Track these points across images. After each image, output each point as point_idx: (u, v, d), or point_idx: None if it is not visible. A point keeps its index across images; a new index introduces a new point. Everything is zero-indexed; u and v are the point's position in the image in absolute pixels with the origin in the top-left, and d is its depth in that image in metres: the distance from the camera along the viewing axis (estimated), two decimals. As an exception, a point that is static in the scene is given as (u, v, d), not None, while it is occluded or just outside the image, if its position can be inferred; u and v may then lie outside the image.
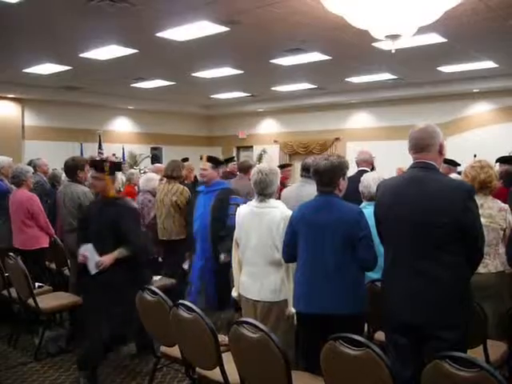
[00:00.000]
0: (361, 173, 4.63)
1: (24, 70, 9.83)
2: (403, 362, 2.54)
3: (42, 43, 7.79)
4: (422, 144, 2.60)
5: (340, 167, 3.06)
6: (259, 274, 3.31)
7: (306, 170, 4.38)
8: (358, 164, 5.40)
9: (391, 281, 2.66)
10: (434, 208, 2.48)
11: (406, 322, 2.57)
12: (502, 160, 6.52)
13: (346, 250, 2.91)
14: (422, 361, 2.23)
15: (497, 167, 6.04)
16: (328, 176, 3.02)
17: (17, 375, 4.12)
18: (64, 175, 6.27)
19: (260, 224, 3.31)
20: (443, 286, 2.48)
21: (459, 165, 6.29)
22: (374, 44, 7.45)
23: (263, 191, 3.33)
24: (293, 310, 3.18)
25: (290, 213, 3.25)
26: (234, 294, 3.56)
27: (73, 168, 4.84)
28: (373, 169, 5.45)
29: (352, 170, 4.18)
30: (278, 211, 3.29)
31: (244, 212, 3.46)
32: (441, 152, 2.63)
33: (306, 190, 4.07)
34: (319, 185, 3.08)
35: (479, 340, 2.96)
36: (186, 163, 6.58)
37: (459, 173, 5.77)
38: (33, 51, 8.33)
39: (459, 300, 2.50)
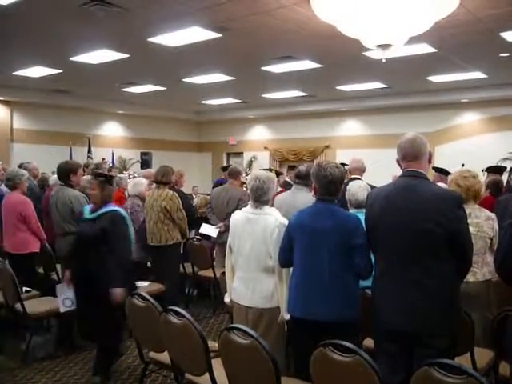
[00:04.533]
0: (354, 181, 4.62)
1: (14, 73, 9.78)
2: (392, 369, 2.56)
3: (33, 46, 7.75)
4: (415, 153, 2.68)
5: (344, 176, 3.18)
6: (252, 281, 3.30)
7: (299, 177, 4.36)
8: (351, 172, 5.40)
9: (381, 288, 2.69)
10: (424, 216, 2.52)
11: (395, 329, 2.59)
12: (490, 169, 6.59)
13: (343, 256, 2.91)
14: (411, 367, 2.25)
15: (485, 176, 6.12)
16: (338, 184, 3.06)
17: (3, 381, 4.07)
18: (52, 178, 6.24)
19: (254, 231, 3.30)
20: (433, 294, 2.51)
21: (450, 174, 6.33)
22: (364, 53, 7.51)
23: (260, 198, 3.31)
24: (285, 317, 3.18)
25: (284, 220, 3.25)
26: (227, 299, 3.55)
27: (65, 172, 4.82)
28: None
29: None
30: (273, 218, 3.27)
31: (238, 218, 3.45)
32: (430, 160, 2.75)
33: (299, 198, 4.07)
34: (326, 194, 3.05)
35: (467, 347, 2.98)
36: (176, 169, 6.50)
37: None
38: (23, 54, 8.28)
39: (448, 308, 2.54)
